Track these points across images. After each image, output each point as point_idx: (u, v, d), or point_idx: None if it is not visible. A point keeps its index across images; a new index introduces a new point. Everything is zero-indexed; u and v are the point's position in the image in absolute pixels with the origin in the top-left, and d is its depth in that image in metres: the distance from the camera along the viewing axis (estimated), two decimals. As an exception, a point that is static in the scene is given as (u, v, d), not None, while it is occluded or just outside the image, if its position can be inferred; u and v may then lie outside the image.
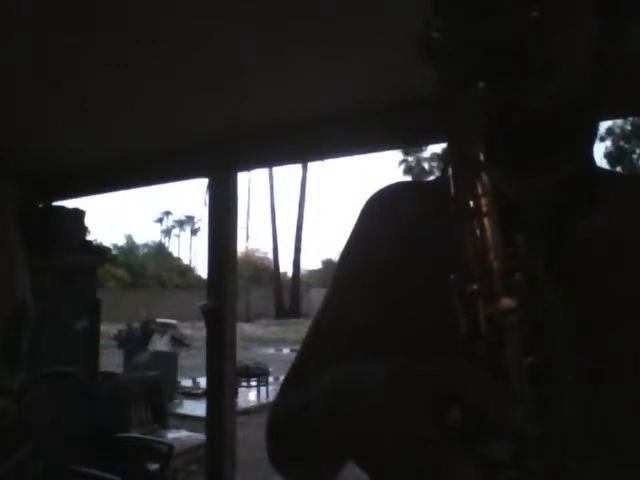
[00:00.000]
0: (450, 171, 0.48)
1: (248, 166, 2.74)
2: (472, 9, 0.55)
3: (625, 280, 0.56)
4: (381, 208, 0.69)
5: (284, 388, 0.70)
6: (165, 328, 11.76)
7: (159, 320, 12.39)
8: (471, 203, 0.46)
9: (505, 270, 0.45)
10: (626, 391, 0.53)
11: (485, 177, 0.47)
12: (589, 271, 0.56)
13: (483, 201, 0.46)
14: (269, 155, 2.36)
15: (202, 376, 7.66)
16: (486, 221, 0.46)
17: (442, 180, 0.53)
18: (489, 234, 0.46)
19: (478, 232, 0.46)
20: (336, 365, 0.53)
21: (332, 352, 0.64)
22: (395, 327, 0.61)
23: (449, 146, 0.50)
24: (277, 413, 0.67)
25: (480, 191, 0.46)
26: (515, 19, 0.53)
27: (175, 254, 50.07)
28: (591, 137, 0.64)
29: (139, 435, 4.00)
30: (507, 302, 0.44)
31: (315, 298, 28.05)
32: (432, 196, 0.58)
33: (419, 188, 0.73)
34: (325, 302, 0.70)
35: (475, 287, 0.45)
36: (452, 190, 0.47)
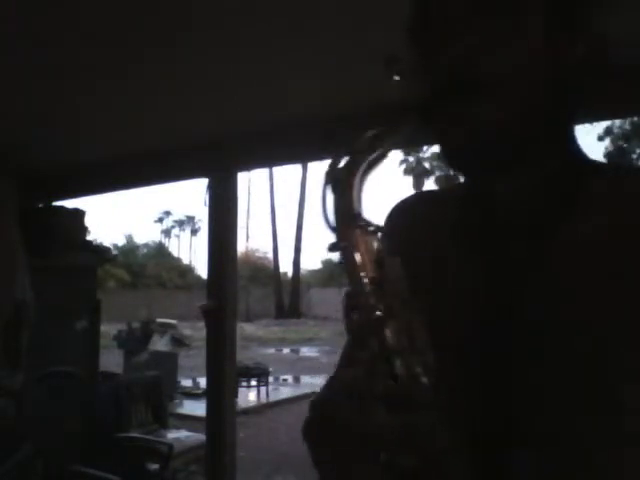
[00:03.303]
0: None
1: (248, 166, 2.74)
2: (424, 38, 0.61)
3: (594, 286, 0.58)
4: (397, 222, 0.76)
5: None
6: (165, 328, 11.72)
7: (159, 320, 12.36)
8: (350, 238, 0.56)
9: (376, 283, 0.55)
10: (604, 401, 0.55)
11: (359, 212, 0.57)
12: (561, 277, 0.59)
13: (357, 233, 0.56)
14: (269, 155, 2.36)
15: (202, 376, 7.66)
16: (360, 250, 0.56)
17: (454, 190, 0.66)
18: (361, 261, 0.56)
19: (353, 260, 0.56)
20: None
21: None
22: None
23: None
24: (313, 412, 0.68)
25: (357, 224, 0.57)
26: (459, 46, 0.58)
27: (175, 254, 49.99)
28: (562, 140, 0.65)
29: (139, 435, 4.00)
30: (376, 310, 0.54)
31: (315, 298, 28.03)
32: (443, 207, 0.68)
33: (434, 199, 0.78)
34: None
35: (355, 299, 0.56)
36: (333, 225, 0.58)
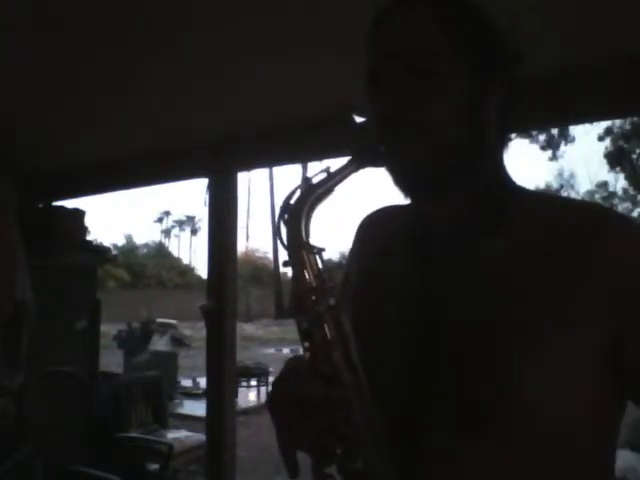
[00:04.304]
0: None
1: (248, 166, 2.74)
2: (374, 93, 0.83)
3: (512, 298, 0.71)
4: (365, 229, 0.95)
5: None
6: (165, 328, 11.72)
7: (159, 320, 12.36)
8: (296, 258, 0.73)
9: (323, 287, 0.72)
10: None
11: (306, 241, 0.73)
12: (480, 290, 0.73)
13: (304, 253, 0.73)
14: (269, 155, 2.36)
15: (202, 376, 7.65)
16: (305, 265, 0.73)
17: (408, 206, 0.84)
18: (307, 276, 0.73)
19: (300, 273, 0.73)
20: None
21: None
22: (364, 308, 0.83)
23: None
24: (272, 387, 0.83)
25: (303, 248, 0.73)
26: (398, 98, 0.75)
27: (175, 254, 50.02)
28: (488, 169, 0.78)
29: (139, 435, 4.01)
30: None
31: (315, 298, 27.90)
32: (402, 219, 0.87)
33: (395, 212, 0.93)
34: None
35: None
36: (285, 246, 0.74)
